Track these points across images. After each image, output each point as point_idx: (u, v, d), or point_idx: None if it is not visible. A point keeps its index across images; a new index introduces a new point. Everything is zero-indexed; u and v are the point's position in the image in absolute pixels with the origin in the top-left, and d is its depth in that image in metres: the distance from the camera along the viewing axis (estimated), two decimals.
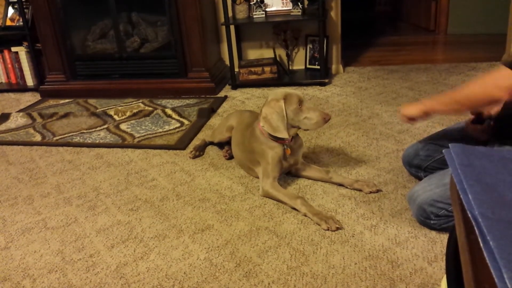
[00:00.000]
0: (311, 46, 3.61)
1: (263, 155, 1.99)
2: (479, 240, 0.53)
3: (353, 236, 1.66)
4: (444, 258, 1.38)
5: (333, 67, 3.72)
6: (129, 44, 3.58)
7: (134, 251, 1.68)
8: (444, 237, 1.60)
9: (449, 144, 0.70)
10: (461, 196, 0.60)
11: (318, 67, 3.54)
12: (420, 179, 1.90)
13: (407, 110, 1.73)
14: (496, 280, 0.47)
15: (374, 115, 2.78)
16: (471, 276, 0.51)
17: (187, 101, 3.31)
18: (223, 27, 3.48)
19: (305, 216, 1.79)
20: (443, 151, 0.69)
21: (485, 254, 0.51)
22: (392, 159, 2.20)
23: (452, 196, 0.65)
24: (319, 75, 3.47)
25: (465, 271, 0.54)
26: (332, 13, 3.56)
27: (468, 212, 0.57)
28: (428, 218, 1.61)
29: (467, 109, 1.65)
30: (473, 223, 0.55)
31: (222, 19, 3.47)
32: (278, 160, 1.98)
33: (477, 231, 0.54)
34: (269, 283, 1.46)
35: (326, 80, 3.44)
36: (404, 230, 1.67)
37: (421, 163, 1.91)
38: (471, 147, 0.69)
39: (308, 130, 2.00)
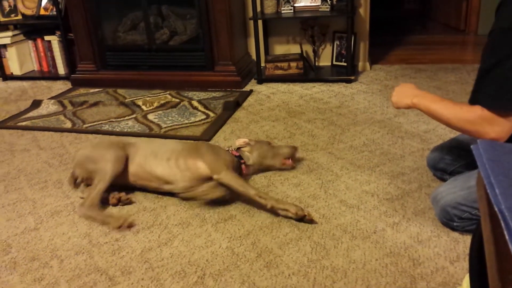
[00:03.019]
0: (338, 43, 3.60)
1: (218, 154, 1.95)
2: (505, 233, 0.54)
3: (374, 233, 1.66)
4: (467, 258, 1.37)
5: (360, 64, 3.70)
6: (158, 36, 3.63)
7: (159, 237, 1.73)
8: (467, 237, 1.59)
9: (478, 140, 0.71)
10: (488, 190, 0.61)
11: (345, 64, 3.52)
12: (444, 181, 1.89)
13: (397, 103, 1.73)
14: None
15: (400, 113, 2.76)
16: (495, 268, 0.52)
17: (213, 94, 3.34)
18: (251, 22, 3.50)
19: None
20: (472, 146, 0.70)
21: (511, 247, 0.52)
22: (417, 158, 2.18)
23: (479, 191, 0.66)
24: (346, 72, 3.46)
25: (490, 264, 0.55)
26: (361, 10, 3.54)
27: (494, 206, 0.58)
28: (451, 220, 1.61)
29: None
30: (500, 217, 0.56)
31: (251, 14, 3.48)
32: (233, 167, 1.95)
33: (503, 225, 0.55)
34: (289, 275, 1.48)
35: (352, 77, 3.42)
36: (426, 229, 1.66)
37: (447, 167, 1.90)
38: (499, 143, 0.70)
39: None
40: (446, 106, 1.53)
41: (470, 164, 1.78)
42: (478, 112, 1.39)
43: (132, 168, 1.97)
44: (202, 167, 1.87)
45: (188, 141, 2.16)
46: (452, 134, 2.38)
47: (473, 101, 1.42)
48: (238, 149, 2.12)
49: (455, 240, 1.59)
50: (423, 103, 1.62)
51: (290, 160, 2.14)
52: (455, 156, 1.86)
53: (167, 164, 1.92)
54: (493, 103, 1.35)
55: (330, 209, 1.82)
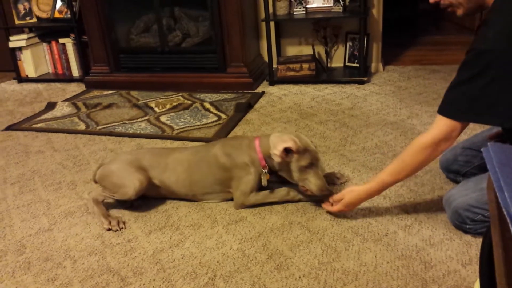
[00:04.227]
0: (351, 44, 3.58)
1: (245, 171, 1.87)
2: None
3: (386, 235, 1.65)
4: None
5: (373, 65, 3.68)
6: (171, 38, 3.65)
7: (170, 238, 1.74)
8: (480, 240, 1.56)
9: (488, 143, 0.70)
10: (497, 194, 0.60)
11: (357, 65, 3.51)
12: (458, 183, 1.87)
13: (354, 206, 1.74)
14: None
15: (413, 115, 2.74)
16: (503, 272, 0.52)
17: (225, 96, 3.35)
18: (263, 23, 3.51)
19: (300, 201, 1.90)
20: (482, 149, 0.69)
21: None
22: None
23: (489, 194, 0.65)
24: (358, 73, 3.44)
25: (498, 268, 0.55)
26: (374, 11, 3.52)
27: (503, 210, 0.57)
28: (464, 223, 1.59)
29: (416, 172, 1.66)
30: (508, 221, 0.56)
31: (263, 15, 3.49)
32: (258, 180, 1.88)
33: (511, 229, 0.54)
34: (300, 277, 1.48)
35: (365, 79, 3.41)
36: (439, 231, 1.65)
37: (460, 169, 1.88)
38: (510, 147, 0.69)
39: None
40: (398, 161, 1.62)
41: (483, 165, 1.76)
42: (440, 129, 1.49)
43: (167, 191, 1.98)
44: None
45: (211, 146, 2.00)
46: (465, 136, 2.35)
47: (443, 112, 1.49)
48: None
49: (468, 243, 1.57)
50: (376, 182, 1.66)
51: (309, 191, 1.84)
52: (469, 158, 1.84)
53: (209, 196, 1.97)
54: (462, 115, 1.45)
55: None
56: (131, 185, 1.85)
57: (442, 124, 1.48)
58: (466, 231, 1.61)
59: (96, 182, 1.99)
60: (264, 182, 1.86)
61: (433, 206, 1.80)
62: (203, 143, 2.18)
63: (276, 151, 1.73)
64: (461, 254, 1.52)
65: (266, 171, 1.85)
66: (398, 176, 1.62)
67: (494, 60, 1.33)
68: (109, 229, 1.82)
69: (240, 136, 2.00)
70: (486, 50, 1.34)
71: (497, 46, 1.33)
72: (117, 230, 1.81)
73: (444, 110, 1.48)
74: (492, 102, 1.37)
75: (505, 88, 1.35)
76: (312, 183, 1.79)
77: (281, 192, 1.89)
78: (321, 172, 1.83)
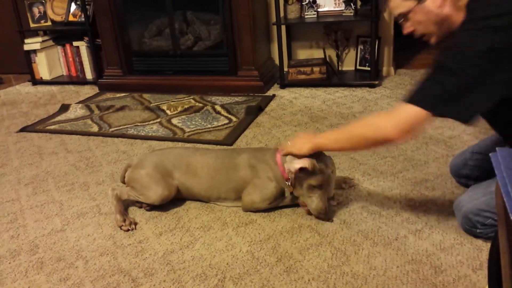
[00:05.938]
0: (362, 47, 3.58)
1: (264, 183, 1.87)
2: None
3: (396, 240, 1.65)
4: None
5: (384, 69, 3.67)
6: (183, 42, 3.68)
7: (181, 239, 1.75)
8: None
9: (496, 148, 0.70)
10: (504, 199, 0.60)
11: (369, 68, 3.50)
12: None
13: (298, 149, 1.72)
14: None
15: None
16: (510, 277, 0.52)
17: (236, 99, 3.37)
18: (274, 27, 3.52)
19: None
20: (490, 154, 0.69)
21: None
22: (441, 164, 2.15)
23: (497, 199, 0.65)
24: (369, 76, 3.44)
25: (504, 272, 0.55)
26: (385, 14, 3.51)
27: (510, 214, 0.57)
28: (474, 227, 1.58)
29: (359, 149, 1.62)
30: None
31: (274, 19, 3.50)
32: (276, 195, 1.88)
33: None
34: (309, 280, 1.48)
35: (376, 82, 3.40)
36: (449, 236, 1.64)
37: (470, 173, 1.86)
38: None
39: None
40: (356, 125, 1.57)
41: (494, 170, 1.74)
42: (411, 113, 1.40)
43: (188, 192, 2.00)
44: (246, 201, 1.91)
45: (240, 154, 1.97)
46: (476, 140, 2.34)
47: (418, 102, 1.41)
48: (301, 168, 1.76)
49: (478, 248, 1.56)
50: (326, 137, 1.66)
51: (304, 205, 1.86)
52: (478, 162, 1.83)
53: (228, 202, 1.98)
54: (438, 107, 1.38)
55: (351, 215, 1.82)
56: (157, 191, 1.90)
57: (412, 113, 1.42)
58: (476, 236, 1.60)
59: (123, 182, 2.04)
60: (288, 194, 1.88)
61: (444, 211, 1.79)
62: (228, 148, 2.17)
63: (292, 169, 1.75)
64: (471, 259, 1.52)
65: (289, 183, 1.84)
66: (335, 144, 1.62)
67: None
68: (120, 227, 1.85)
69: (264, 148, 2.02)
70: (488, 50, 1.35)
71: None
72: (127, 230, 1.84)
73: (418, 99, 1.43)
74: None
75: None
76: (314, 203, 1.77)
77: (290, 196, 1.90)
78: (327, 195, 1.80)
